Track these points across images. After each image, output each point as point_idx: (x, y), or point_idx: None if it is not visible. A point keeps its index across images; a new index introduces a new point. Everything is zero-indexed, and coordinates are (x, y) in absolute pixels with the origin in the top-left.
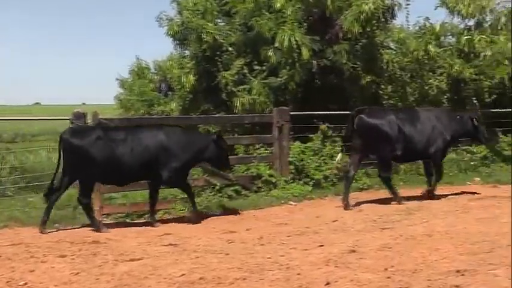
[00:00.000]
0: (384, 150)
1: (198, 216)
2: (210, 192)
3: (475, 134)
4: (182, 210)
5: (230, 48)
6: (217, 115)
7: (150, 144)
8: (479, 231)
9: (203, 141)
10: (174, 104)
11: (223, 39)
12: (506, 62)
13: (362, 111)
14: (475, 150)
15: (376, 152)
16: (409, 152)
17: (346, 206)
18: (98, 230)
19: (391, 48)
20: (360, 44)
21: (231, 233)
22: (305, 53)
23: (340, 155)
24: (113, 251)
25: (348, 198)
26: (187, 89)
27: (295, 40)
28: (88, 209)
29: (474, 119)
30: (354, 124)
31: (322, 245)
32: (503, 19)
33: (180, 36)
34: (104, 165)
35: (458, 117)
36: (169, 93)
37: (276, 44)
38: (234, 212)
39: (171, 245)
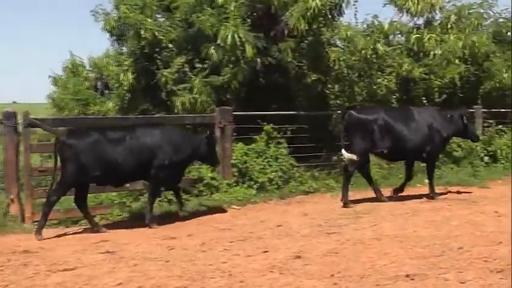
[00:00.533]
0: (363, 146)
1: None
2: None
3: (465, 133)
4: (120, 215)
5: (170, 45)
6: (156, 115)
7: (148, 144)
8: (429, 234)
9: (197, 140)
10: (111, 104)
11: (163, 36)
12: (457, 61)
13: (353, 108)
14: None
15: (354, 147)
16: (401, 150)
17: (346, 204)
18: (36, 233)
19: (339, 47)
20: (306, 41)
21: (171, 239)
22: (249, 51)
23: (344, 151)
24: (45, 260)
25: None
26: (125, 88)
27: (239, 37)
28: (50, 207)
29: (464, 118)
30: (344, 120)
31: (266, 251)
32: (453, 17)
33: (117, 32)
34: (100, 166)
35: (449, 116)
36: (106, 92)
37: (218, 41)
38: (175, 216)
39: (107, 252)
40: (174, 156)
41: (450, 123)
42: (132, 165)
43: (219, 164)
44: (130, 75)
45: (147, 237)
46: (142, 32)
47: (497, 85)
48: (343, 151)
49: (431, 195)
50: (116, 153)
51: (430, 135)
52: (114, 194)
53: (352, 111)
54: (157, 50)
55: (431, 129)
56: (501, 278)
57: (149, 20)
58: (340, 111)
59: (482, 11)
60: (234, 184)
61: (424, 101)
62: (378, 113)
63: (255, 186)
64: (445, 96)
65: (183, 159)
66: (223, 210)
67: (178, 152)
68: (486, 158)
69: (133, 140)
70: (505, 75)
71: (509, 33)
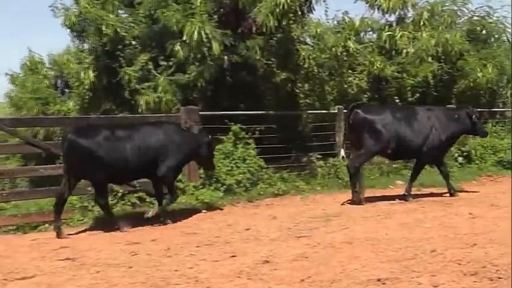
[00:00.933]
0: (371, 145)
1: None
2: (112, 200)
3: (473, 131)
4: (81, 220)
5: (133, 42)
6: (119, 115)
7: (153, 142)
8: (402, 236)
9: (197, 140)
10: (72, 103)
11: (126, 32)
12: (430, 60)
13: (359, 107)
14: None
15: (363, 146)
16: (402, 150)
17: (360, 201)
18: (119, 228)
19: (308, 44)
20: (275, 38)
21: (135, 244)
22: (215, 48)
23: (342, 150)
24: (2, 268)
25: (358, 193)
26: (87, 86)
27: (205, 33)
28: (106, 208)
29: (473, 116)
30: (350, 119)
31: (233, 256)
32: (425, 14)
33: (78, 28)
34: (111, 164)
35: (456, 116)
36: (67, 90)
37: (184, 38)
38: (138, 220)
39: (68, 259)
40: (180, 154)
41: (456, 123)
42: (140, 162)
43: (213, 169)
44: (91, 73)
45: (109, 243)
46: (103, 28)
47: (471, 84)
48: (342, 151)
49: (405, 195)
50: (125, 151)
51: (431, 136)
52: (74, 197)
53: (358, 111)
54: (119, 47)
55: (432, 129)
56: (475, 281)
57: (111, 15)
58: (345, 110)
59: (455, 8)
60: (201, 186)
61: (397, 101)
62: (383, 113)
63: (222, 188)
64: (418, 95)
65: (185, 157)
66: (190, 214)
67: (181, 150)
68: (460, 159)
69: (140, 138)
70: (479, 74)
71: (483, 32)
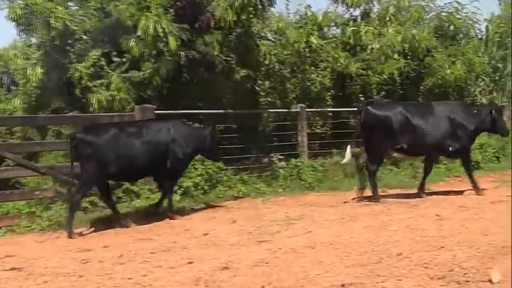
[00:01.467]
0: (381, 144)
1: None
2: (62, 205)
3: (494, 128)
4: (28, 226)
5: (84, 37)
6: (69, 114)
7: (162, 138)
8: (367, 240)
9: (202, 133)
10: (18, 101)
11: (76, 26)
12: (396, 56)
13: (370, 104)
14: None
15: (373, 144)
16: (419, 146)
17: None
18: (68, 235)
19: (269, 39)
20: (234, 33)
21: (86, 251)
22: (172, 43)
23: (349, 147)
24: None
25: (363, 190)
26: (34, 84)
27: (162, 28)
28: (75, 208)
29: (493, 113)
30: (361, 117)
31: (191, 262)
32: (391, 9)
33: (24, 21)
34: (118, 161)
35: (475, 111)
36: (13, 88)
37: (139, 33)
38: (90, 226)
39: (13, 269)
40: (187, 150)
41: (476, 118)
42: (149, 159)
43: (219, 160)
44: (39, 70)
45: (58, 251)
46: (52, 21)
47: (439, 81)
48: (348, 147)
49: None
50: (134, 148)
51: (452, 131)
52: (22, 203)
53: (369, 108)
54: (69, 41)
55: (452, 124)
56: (442, 285)
57: (60, 8)
58: (357, 108)
59: (423, 3)
60: (156, 190)
61: (362, 98)
62: (396, 109)
63: (179, 191)
64: (383, 93)
65: (193, 152)
66: (144, 218)
67: (190, 145)
68: None
69: (149, 134)
70: (448, 71)
71: (451, 27)
